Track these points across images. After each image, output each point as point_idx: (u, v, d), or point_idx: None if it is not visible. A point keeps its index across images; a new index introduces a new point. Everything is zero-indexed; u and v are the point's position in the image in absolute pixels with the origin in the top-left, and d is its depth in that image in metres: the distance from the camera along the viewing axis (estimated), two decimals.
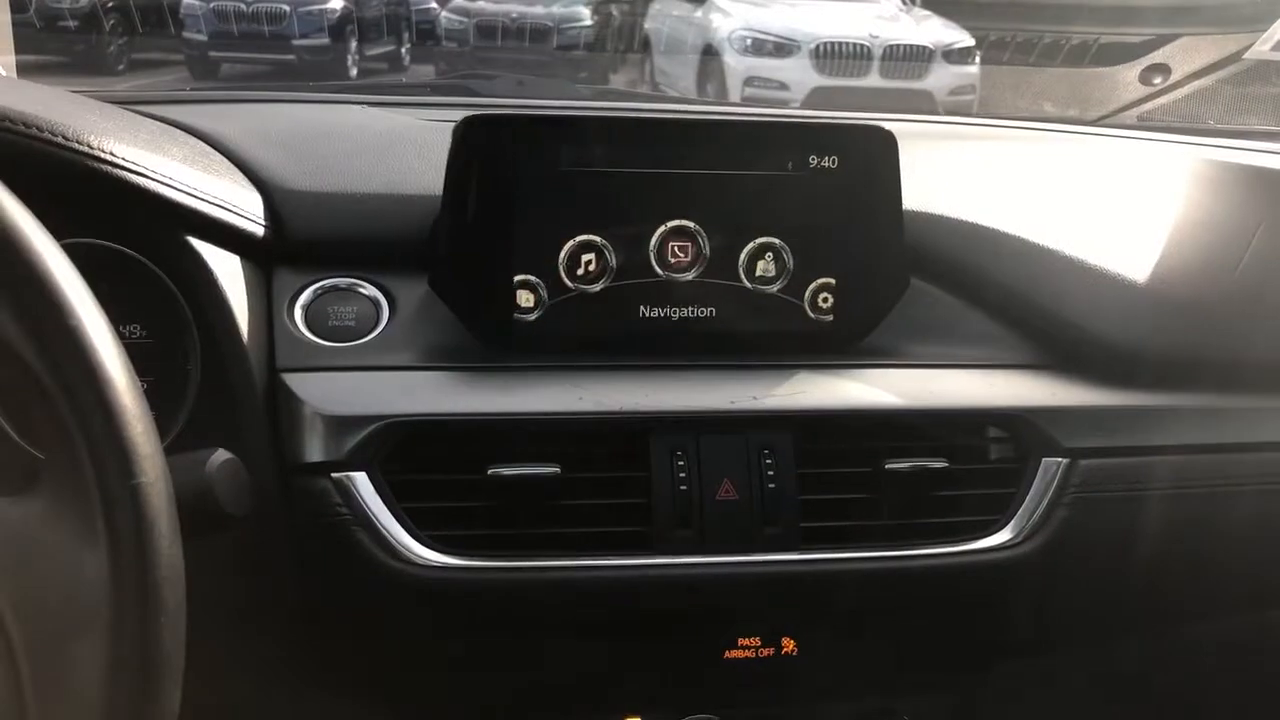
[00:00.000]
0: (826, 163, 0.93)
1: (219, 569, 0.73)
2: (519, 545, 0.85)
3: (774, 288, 0.94)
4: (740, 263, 0.94)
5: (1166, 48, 1.52)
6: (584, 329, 0.92)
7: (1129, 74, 1.53)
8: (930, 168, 1.08)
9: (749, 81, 6.56)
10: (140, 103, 1.09)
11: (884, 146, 0.94)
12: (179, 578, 0.57)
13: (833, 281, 0.95)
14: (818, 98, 6.26)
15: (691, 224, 0.92)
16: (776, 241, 0.94)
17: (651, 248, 0.92)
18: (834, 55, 6.51)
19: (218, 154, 0.95)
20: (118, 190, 0.81)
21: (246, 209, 0.89)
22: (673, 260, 0.93)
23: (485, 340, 0.91)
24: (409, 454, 0.85)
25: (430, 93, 1.48)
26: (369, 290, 0.92)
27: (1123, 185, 1.22)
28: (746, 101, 6.37)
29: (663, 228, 0.92)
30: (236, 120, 1.06)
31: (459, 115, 0.91)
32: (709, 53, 6.84)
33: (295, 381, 0.86)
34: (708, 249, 0.93)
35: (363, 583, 0.84)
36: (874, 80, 6.48)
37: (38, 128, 0.77)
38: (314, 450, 0.84)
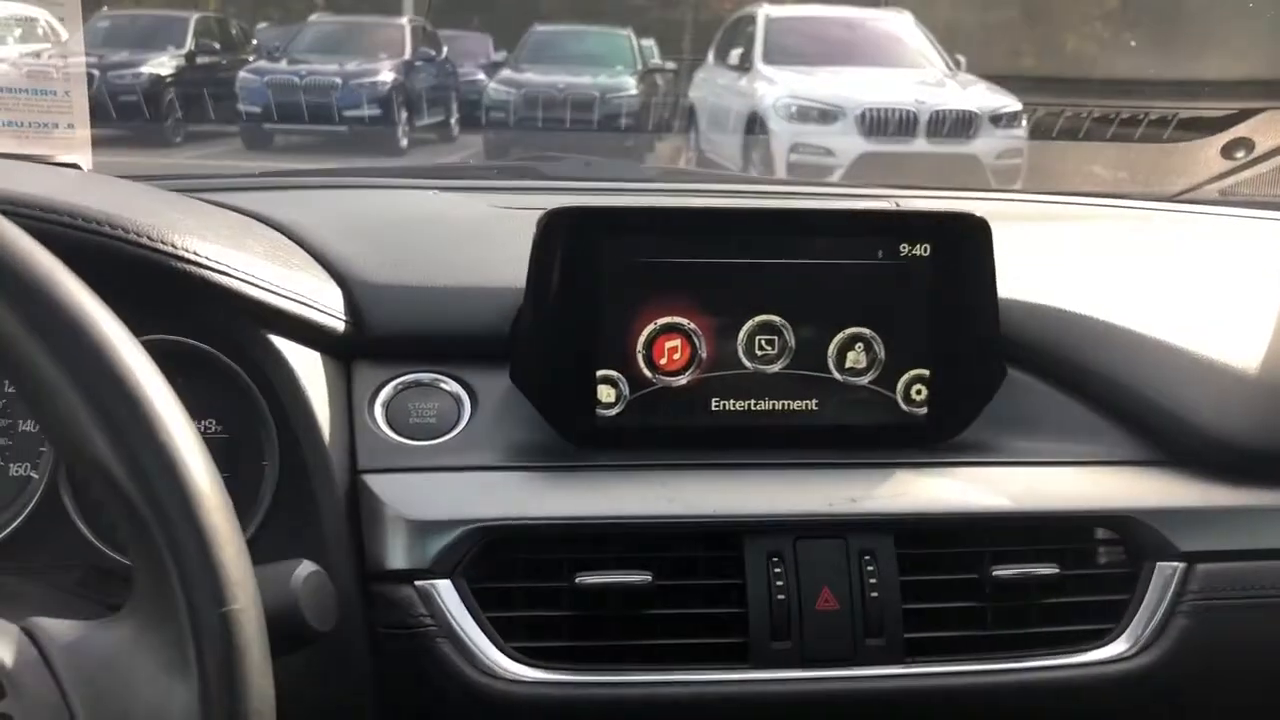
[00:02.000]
0: (919, 251, 0.90)
1: (296, 682, 0.70)
2: (609, 658, 0.82)
3: (865, 379, 0.91)
4: (830, 354, 0.91)
5: (1250, 121, 1.48)
6: (670, 424, 0.89)
7: (1210, 149, 1.49)
8: (1019, 250, 1.04)
9: (794, 148, 6.60)
10: (215, 190, 1.09)
11: (978, 234, 0.91)
12: (270, 710, 0.55)
13: (926, 373, 0.91)
14: (864, 164, 6.29)
15: (778, 318, 0.89)
16: (867, 332, 0.91)
17: (740, 340, 0.89)
18: (879, 121, 6.55)
19: (296, 247, 0.94)
20: (201, 289, 0.80)
21: (327, 304, 0.88)
22: (759, 352, 0.90)
23: (569, 437, 0.89)
24: (493, 560, 0.82)
25: (499, 175, 1.48)
26: (450, 386, 0.90)
27: (1213, 263, 1.18)
28: (792, 169, 6.40)
29: (752, 321, 0.89)
30: (313, 209, 1.05)
31: (530, 199, 0.89)
32: (754, 120, 6.90)
33: (377, 483, 0.83)
34: (793, 340, 0.90)
35: (446, 697, 0.80)
36: (920, 146, 6.50)
37: (124, 229, 0.76)
38: (397, 557, 0.81)
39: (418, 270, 0.94)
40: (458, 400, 0.89)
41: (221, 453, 0.84)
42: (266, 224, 0.97)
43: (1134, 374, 0.95)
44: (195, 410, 0.84)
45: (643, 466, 0.88)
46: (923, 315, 0.91)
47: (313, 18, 10.51)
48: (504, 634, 0.81)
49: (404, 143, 7.76)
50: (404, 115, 7.93)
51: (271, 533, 0.83)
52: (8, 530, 0.83)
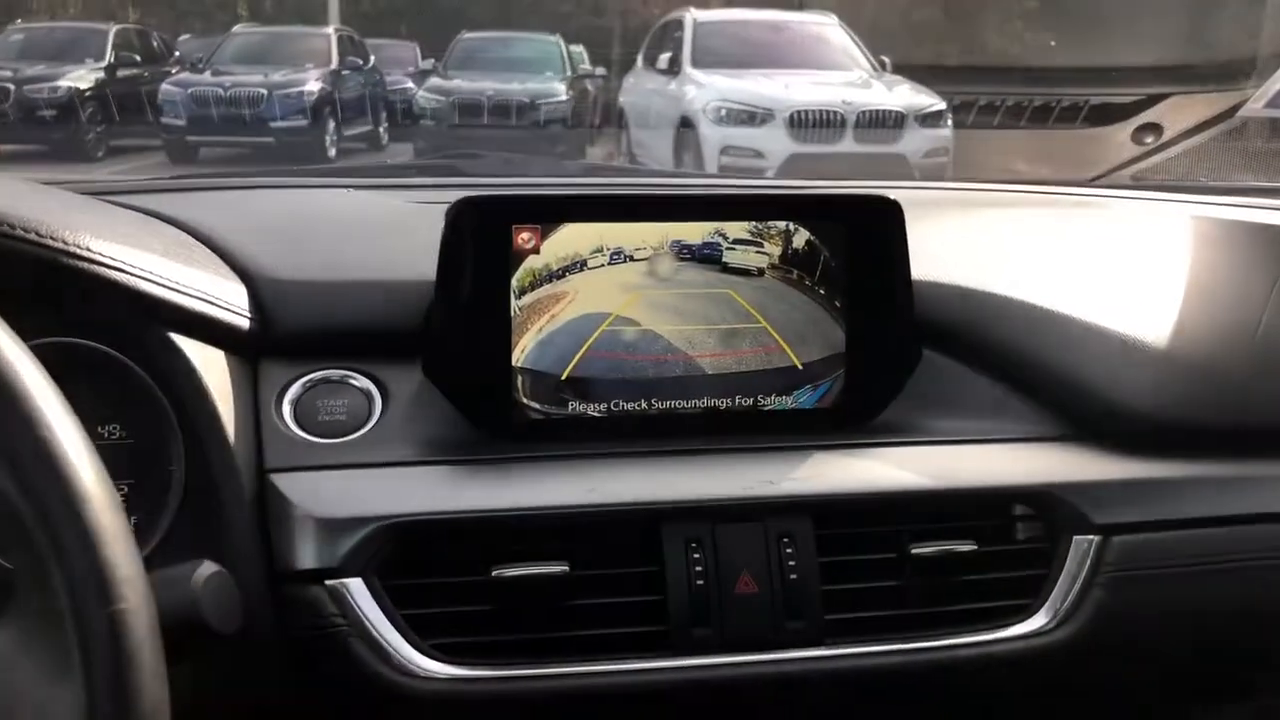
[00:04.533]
0: (832, 233, 0.90)
1: (205, 688, 0.68)
2: (528, 651, 0.81)
3: (783, 363, 0.91)
4: (746, 338, 0.90)
5: (1157, 107, 1.52)
6: (586, 414, 0.88)
7: (1121, 134, 1.53)
8: (934, 236, 1.05)
9: (725, 150, 6.62)
10: (119, 192, 1.06)
11: (890, 216, 0.91)
12: (163, 716, 0.52)
13: (843, 356, 0.91)
14: (793, 164, 6.33)
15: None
16: (784, 316, 0.90)
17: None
18: (808, 123, 6.60)
19: (199, 244, 0.92)
20: (95, 287, 0.77)
21: (230, 301, 0.85)
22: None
23: (485, 430, 0.87)
24: (407, 556, 0.80)
25: (416, 173, 1.45)
26: (360, 382, 0.88)
27: (1126, 246, 1.20)
28: (723, 170, 6.43)
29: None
30: (218, 208, 1.02)
31: (446, 195, 0.87)
32: (685, 123, 6.92)
33: (285, 482, 0.81)
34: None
35: (362, 697, 0.79)
36: (848, 146, 6.56)
37: (10, 224, 0.73)
38: (306, 557, 0.79)
39: (325, 265, 0.92)
40: (368, 396, 0.88)
41: (126, 458, 0.81)
42: (169, 222, 0.95)
43: (1048, 353, 0.96)
44: (97, 415, 0.82)
45: (559, 457, 0.86)
46: (838, 298, 0.91)
47: (236, 28, 10.36)
48: (420, 631, 0.79)
49: (333, 152, 7.66)
50: (332, 125, 7.84)
51: (180, 537, 0.81)
52: None
